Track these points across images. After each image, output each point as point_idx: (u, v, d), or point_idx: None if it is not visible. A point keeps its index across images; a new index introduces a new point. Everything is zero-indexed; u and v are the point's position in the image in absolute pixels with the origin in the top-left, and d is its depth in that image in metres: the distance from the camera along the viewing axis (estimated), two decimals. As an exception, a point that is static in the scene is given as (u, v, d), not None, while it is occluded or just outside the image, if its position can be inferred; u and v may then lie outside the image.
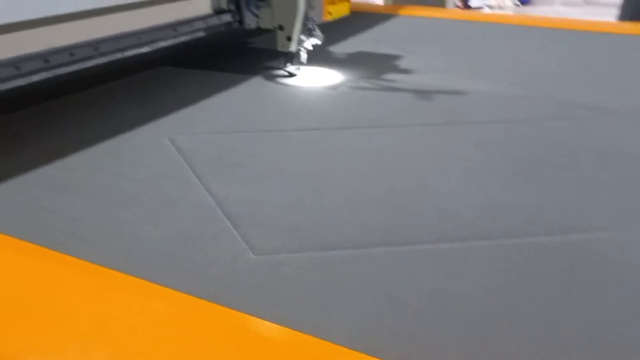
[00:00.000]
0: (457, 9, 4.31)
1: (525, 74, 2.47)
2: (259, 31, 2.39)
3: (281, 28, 2.22)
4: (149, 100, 2.08)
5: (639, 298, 1.06)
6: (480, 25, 3.64)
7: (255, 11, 2.34)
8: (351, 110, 2.00)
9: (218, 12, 2.31)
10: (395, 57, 2.68)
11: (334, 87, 2.23)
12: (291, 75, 2.32)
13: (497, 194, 1.43)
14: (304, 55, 2.32)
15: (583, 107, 2.06)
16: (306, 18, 2.22)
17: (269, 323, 0.96)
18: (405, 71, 2.46)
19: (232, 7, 2.36)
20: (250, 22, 2.39)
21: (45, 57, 1.69)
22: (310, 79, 2.32)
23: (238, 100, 2.10)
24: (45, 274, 1.10)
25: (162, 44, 2.11)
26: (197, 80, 2.31)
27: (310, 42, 2.28)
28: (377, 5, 4.46)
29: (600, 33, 3.34)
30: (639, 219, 1.33)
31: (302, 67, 2.35)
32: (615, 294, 1.07)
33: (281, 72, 2.37)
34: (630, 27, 3.58)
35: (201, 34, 2.27)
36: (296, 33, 2.21)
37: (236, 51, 2.77)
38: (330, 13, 2.31)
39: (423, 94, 2.15)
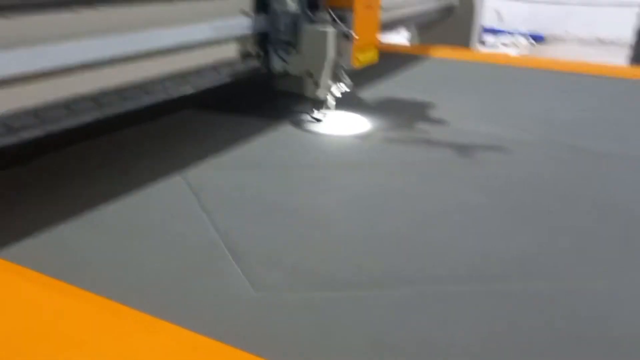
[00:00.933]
0: (476, 51, 4.24)
1: (537, 119, 2.45)
2: (287, 74, 2.34)
3: (309, 74, 2.16)
4: (169, 145, 2.03)
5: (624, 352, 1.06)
6: (498, 67, 3.60)
7: (284, 56, 2.28)
8: (372, 154, 1.98)
9: (245, 56, 2.26)
10: (417, 102, 2.62)
11: (359, 135, 2.17)
12: (318, 121, 2.25)
13: (494, 240, 1.45)
14: (331, 102, 2.25)
15: (590, 153, 2.06)
16: (335, 65, 2.17)
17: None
18: (425, 116, 2.40)
19: (260, 52, 2.31)
20: (278, 66, 2.33)
21: (95, 99, 1.68)
22: (337, 125, 2.26)
23: (260, 145, 2.05)
24: (50, 304, 1.12)
25: (188, 88, 2.05)
26: (220, 124, 2.26)
27: (338, 89, 2.22)
28: (403, 46, 4.41)
29: (613, 78, 3.30)
30: (630, 272, 1.34)
31: (329, 113, 2.28)
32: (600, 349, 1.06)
33: (308, 117, 2.31)
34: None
35: (227, 79, 2.22)
36: (324, 80, 2.15)
37: (263, 94, 2.71)
38: (359, 60, 2.25)
39: (440, 140, 2.11)
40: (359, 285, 1.23)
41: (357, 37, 2.15)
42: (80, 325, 1.05)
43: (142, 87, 1.88)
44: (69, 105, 1.62)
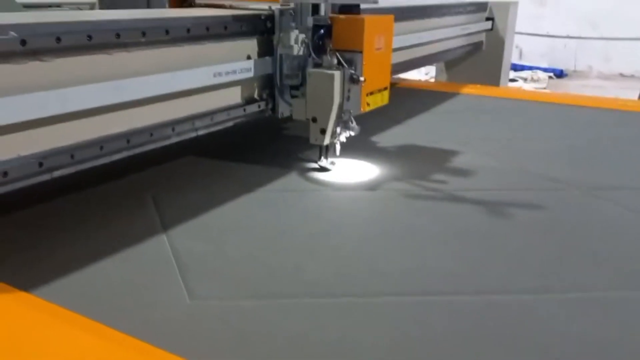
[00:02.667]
0: (502, 87, 4.05)
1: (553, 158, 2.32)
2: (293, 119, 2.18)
3: (315, 120, 1.99)
4: (160, 196, 1.87)
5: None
6: (521, 103, 3.40)
7: (289, 100, 2.13)
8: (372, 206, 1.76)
9: (249, 100, 2.10)
10: (428, 146, 2.43)
11: (363, 185, 1.98)
12: (324, 169, 2.08)
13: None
14: (338, 148, 2.08)
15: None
16: (341, 110, 1.99)
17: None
18: (437, 163, 2.21)
19: (265, 96, 2.15)
20: (284, 110, 2.18)
21: (127, 138, 1.64)
22: (343, 173, 2.08)
23: (254, 200, 1.89)
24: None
25: (191, 134, 1.90)
26: (220, 172, 2.10)
27: (345, 135, 2.04)
28: (418, 82, 4.23)
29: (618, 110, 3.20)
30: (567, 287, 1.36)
31: (335, 160, 2.11)
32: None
33: (313, 164, 2.13)
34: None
35: (230, 124, 2.06)
36: (330, 126, 1.98)
37: (267, 137, 2.55)
38: (368, 104, 2.07)
39: (451, 198, 1.90)
40: (292, 295, 1.31)
41: (365, 80, 1.98)
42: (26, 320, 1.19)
43: (144, 132, 1.73)
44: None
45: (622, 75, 9.31)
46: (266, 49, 2.11)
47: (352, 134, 2.04)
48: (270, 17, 2.07)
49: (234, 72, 1.98)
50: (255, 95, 2.14)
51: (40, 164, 1.40)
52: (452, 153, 2.35)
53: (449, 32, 3.38)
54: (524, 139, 2.66)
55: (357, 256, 1.51)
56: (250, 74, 2.04)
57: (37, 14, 1.86)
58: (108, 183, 1.94)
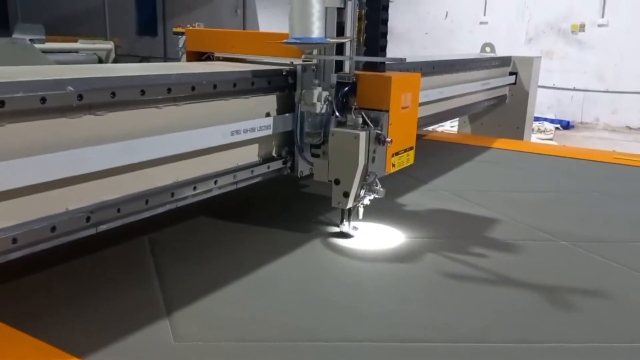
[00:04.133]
0: (524, 141, 3.92)
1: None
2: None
3: (337, 182, 1.82)
4: (165, 265, 1.68)
5: None
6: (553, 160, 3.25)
7: (310, 159, 1.96)
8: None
9: (268, 159, 1.94)
10: (456, 209, 2.25)
11: (387, 253, 1.80)
12: (345, 235, 1.89)
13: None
14: (361, 211, 1.90)
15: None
16: (366, 171, 1.82)
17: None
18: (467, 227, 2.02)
19: (284, 153, 1.99)
20: (304, 169, 2.01)
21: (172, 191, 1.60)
22: (365, 239, 1.89)
23: (273, 269, 1.68)
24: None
25: (203, 196, 1.73)
26: (232, 236, 1.91)
27: (369, 198, 1.87)
28: (449, 134, 4.08)
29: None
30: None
31: (358, 225, 1.92)
32: None
33: (334, 227, 1.95)
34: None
35: (248, 183, 1.89)
36: (354, 189, 1.80)
37: (286, 195, 2.37)
38: (393, 165, 1.90)
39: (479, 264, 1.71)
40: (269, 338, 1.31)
41: (392, 140, 1.82)
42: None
43: (161, 192, 1.58)
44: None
45: (629, 127, 9.17)
46: (286, 105, 1.96)
47: (377, 196, 1.86)
48: (292, 73, 1.92)
49: (253, 129, 1.83)
50: (274, 153, 1.98)
51: (88, 219, 1.36)
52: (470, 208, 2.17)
53: (474, 87, 3.27)
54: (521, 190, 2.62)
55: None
56: (269, 132, 1.88)
57: (88, 68, 1.85)
58: (109, 248, 1.75)
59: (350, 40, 1.84)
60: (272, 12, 11.06)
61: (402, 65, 2.16)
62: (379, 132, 1.81)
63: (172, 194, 1.58)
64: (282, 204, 2.28)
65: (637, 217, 2.30)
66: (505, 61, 3.77)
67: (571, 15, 9.36)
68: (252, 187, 1.92)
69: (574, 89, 9.36)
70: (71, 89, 1.28)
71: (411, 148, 2.01)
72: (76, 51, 6.34)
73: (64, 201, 1.33)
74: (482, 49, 3.98)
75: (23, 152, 1.20)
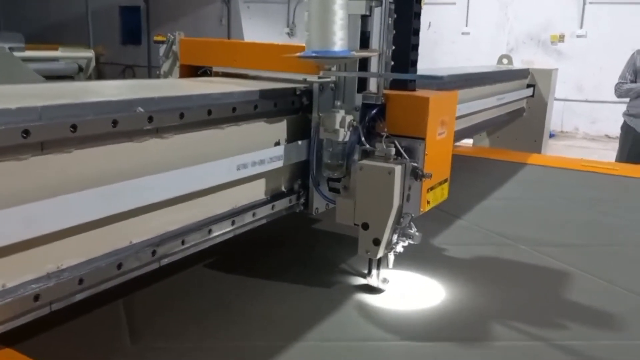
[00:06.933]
0: (493, 148, 3.63)
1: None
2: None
3: (365, 227, 1.42)
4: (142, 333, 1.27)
5: None
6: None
7: (327, 194, 1.57)
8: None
9: (277, 196, 1.54)
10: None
11: (425, 312, 1.41)
12: (375, 290, 1.50)
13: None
14: (391, 259, 1.50)
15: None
16: (400, 213, 1.43)
17: None
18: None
19: (297, 188, 1.59)
20: (319, 206, 1.62)
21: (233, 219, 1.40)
22: (398, 294, 1.50)
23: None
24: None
25: (193, 249, 1.32)
26: (231, 304, 1.46)
27: (402, 244, 1.47)
28: (466, 147, 3.71)
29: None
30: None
31: (389, 276, 1.53)
32: None
33: (360, 280, 1.56)
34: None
35: (253, 225, 1.49)
36: (387, 235, 1.41)
37: (299, 235, 1.93)
38: (428, 202, 1.52)
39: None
40: None
41: (432, 175, 1.43)
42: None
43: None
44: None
45: (607, 136, 8.96)
46: (299, 131, 1.56)
47: (412, 242, 1.47)
48: (307, 92, 1.53)
49: (262, 162, 1.43)
50: (283, 188, 1.58)
51: (154, 252, 1.18)
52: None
53: (498, 100, 2.95)
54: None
55: None
56: (280, 164, 1.49)
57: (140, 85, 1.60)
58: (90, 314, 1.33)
59: (380, 54, 1.45)
60: (256, 23, 10.63)
61: (427, 80, 1.77)
62: (416, 165, 1.42)
63: (233, 222, 1.38)
64: (293, 246, 1.84)
65: (596, 222, 2.24)
66: (523, 73, 3.46)
67: (551, 26, 9.14)
68: (255, 234, 1.52)
69: (555, 99, 9.11)
70: (141, 109, 1.11)
71: (445, 180, 1.63)
72: (56, 59, 5.88)
73: (129, 234, 1.15)
74: (499, 61, 3.67)
75: (91, 182, 1.04)
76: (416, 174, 1.41)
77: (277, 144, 1.50)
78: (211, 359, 1.20)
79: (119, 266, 1.11)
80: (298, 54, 1.39)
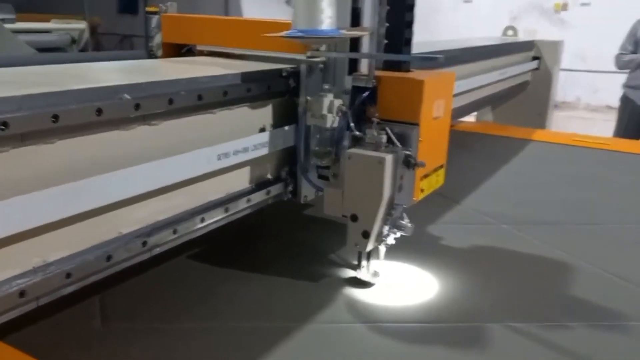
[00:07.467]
0: (485, 122, 3.54)
1: None
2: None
3: (354, 219, 1.33)
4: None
5: None
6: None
7: (317, 182, 1.48)
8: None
9: (262, 185, 1.45)
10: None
11: (418, 309, 1.34)
12: (364, 283, 1.42)
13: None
14: (382, 251, 1.42)
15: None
16: (391, 204, 1.35)
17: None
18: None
19: (284, 175, 1.50)
20: (308, 194, 1.53)
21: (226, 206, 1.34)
22: (388, 288, 1.42)
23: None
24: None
25: (176, 241, 1.25)
26: (217, 285, 1.40)
27: (393, 236, 1.39)
28: (467, 123, 3.58)
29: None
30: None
31: (380, 268, 1.45)
32: None
33: (349, 271, 1.48)
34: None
35: (240, 215, 1.41)
36: (377, 227, 1.33)
37: (286, 223, 1.84)
38: (422, 190, 1.43)
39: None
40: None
41: (425, 163, 1.34)
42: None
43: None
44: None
45: (609, 107, 8.79)
46: (286, 116, 1.46)
47: (404, 234, 1.38)
48: (295, 74, 1.42)
49: (246, 150, 1.33)
50: (269, 176, 1.49)
51: (144, 243, 1.14)
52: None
53: (501, 74, 2.83)
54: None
55: None
56: (265, 151, 1.39)
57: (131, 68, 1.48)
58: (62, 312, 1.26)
59: (371, 33, 1.34)
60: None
61: (423, 62, 1.66)
62: (409, 153, 1.32)
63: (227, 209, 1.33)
64: (280, 235, 1.74)
65: (581, 199, 2.17)
66: (528, 46, 3.32)
67: (554, -6, 8.87)
68: (242, 223, 1.44)
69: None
70: (127, 96, 1.05)
71: (441, 167, 1.53)
72: (49, 31, 5.70)
73: (117, 224, 1.10)
74: (504, 32, 3.52)
75: (77, 174, 0.99)
76: (409, 163, 1.32)
77: (263, 129, 1.41)
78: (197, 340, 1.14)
79: (109, 258, 1.07)
80: (282, 33, 1.28)
